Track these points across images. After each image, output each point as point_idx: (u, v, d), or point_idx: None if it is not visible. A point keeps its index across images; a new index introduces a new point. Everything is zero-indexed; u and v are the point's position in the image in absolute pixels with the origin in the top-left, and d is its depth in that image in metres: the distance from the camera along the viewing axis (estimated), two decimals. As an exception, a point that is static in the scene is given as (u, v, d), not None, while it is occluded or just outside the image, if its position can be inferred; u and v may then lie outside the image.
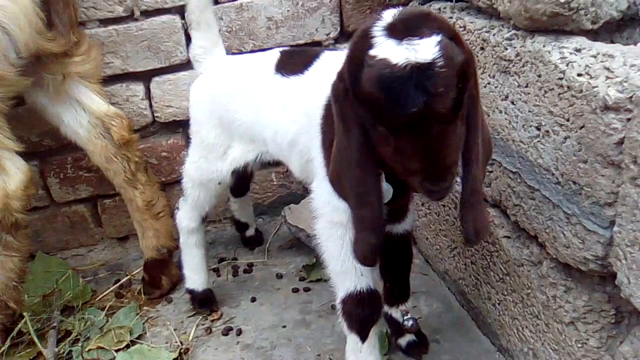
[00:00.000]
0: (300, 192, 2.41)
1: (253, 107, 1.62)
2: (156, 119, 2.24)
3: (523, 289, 1.46)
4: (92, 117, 1.91)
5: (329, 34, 2.19)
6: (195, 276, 1.98)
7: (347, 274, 1.42)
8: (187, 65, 2.14)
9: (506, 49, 1.34)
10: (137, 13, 2.08)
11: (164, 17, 2.09)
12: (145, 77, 2.18)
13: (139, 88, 2.18)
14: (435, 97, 0.98)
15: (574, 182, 1.19)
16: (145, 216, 2.05)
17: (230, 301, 2.07)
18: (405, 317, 1.66)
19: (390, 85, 0.98)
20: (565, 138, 1.19)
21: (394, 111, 1.00)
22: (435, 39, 0.99)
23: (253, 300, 2.06)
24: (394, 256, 1.63)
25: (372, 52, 1.02)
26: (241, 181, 2.10)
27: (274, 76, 1.58)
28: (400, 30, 1.01)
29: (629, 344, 1.15)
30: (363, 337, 1.47)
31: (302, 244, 2.25)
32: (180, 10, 2.10)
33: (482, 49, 1.44)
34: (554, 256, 1.31)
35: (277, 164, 1.86)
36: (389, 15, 1.06)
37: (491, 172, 1.52)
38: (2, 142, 1.66)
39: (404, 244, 1.63)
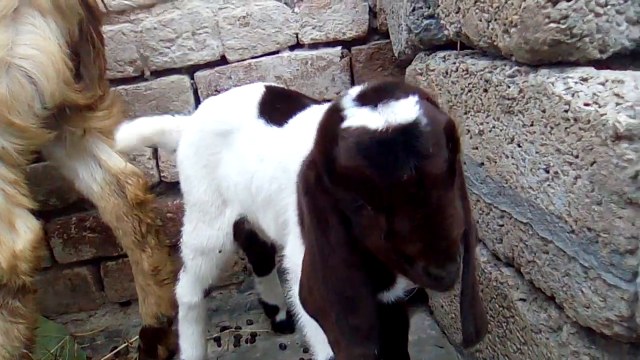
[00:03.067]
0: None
1: (233, 150, 1.49)
2: (162, 179, 2.19)
3: (542, 359, 1.26)
4: (107, 174, 1.86)
5: (339, 92, 2.14)
6: (192, 350, 1.82)
7: (325, 341, 1.24)
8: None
9: (509, 87, 1.23)
10: (147, 73, 2.09)
11: (173, 77, 2.09)
12: (152, 136, 2.15)
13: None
14: (427, 158, 0.85)
15: (589, 229, 1.03)
16: (150, 281, 1.94)
17: (228, 373, 1.91)
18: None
19: (373, 151, 0.86)
20: (576, 178, 1.04)
21: (382, 182, 0.85)
22: (413, 98, 0.90)
23: (253, 372, 1.89)
24: (388, 326, 1.43)
25: (345, 125, 0.90)
26: (262, 255, 1.92)
27: (256, 120, 1.45)
28: (372, 98, 0.91)
29: None
30: None
31: (309, 313, 2.08)
32: (190, 70, 2.10)
33: (485, 90, 1.33)
34: (574, 319, 1.12)
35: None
36: (355, 89, 0.96)
37: (502, 225, 1.36)
38: (17, 198, 1.58)
39: (396, 312, 1.42)
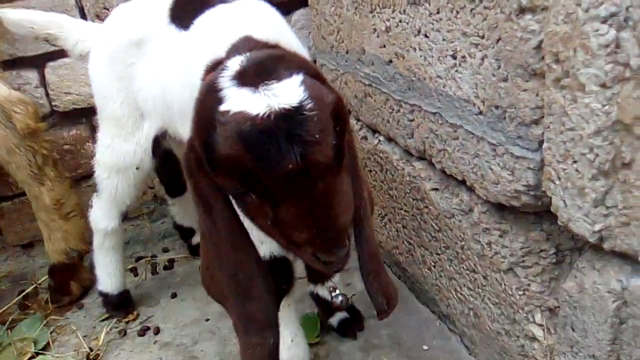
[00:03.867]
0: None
1: (147, 60, 1.41)
2: (54, 108, 2.02)
3: (457, 242, 1.33)
4: None
5: None
6: (109, 279, 1.76)
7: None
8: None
9: (414, -24, 1.23)
10: (21, -10, 1.88)
11: (55, -8, 1.90)
12: (38, 62, 1.97)
13: (32, 75, 1.97)
14: (313, 145, 0.80)
15: (497, 107, 1.07)
16: (54, 216, 1.82)
17: (148, 300, 1.86)
18: (333, 294, 1.49)
19: (255, 140, 0.79)
20: (483, 58, 1.07)
21: (264, 172, 0.80)
22: (297, 78, 0.83)
23: (174, 296, 1.86)
24: None
25: (223, 108, 0.83)
26: (176, 174, 1.82)
27: (167, 26, 1.36)
28: (253, 76, 0.84)
29: (573, 279, 1.02)
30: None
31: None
32: (73, -16, 1.91)
33: (390, -17, 1.33)
34: (485, 197, 1.18)
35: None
36: (235, 63, 0.88)
37: (412, 120, 1.39)
38: None
39: None
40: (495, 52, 1.03)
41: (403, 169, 1.49)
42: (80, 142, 2.06)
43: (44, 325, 1.79)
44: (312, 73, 0.87)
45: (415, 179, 1.44)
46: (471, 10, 1.07)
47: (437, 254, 1.43)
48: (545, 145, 0.97)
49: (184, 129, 1.38)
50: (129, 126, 1.49)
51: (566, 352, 1.08)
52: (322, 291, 1.53)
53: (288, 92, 0.81)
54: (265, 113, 0.79)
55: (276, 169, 0.79)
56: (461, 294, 1.38)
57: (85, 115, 2.05)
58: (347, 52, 1.64)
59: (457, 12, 1.11)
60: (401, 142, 1.48)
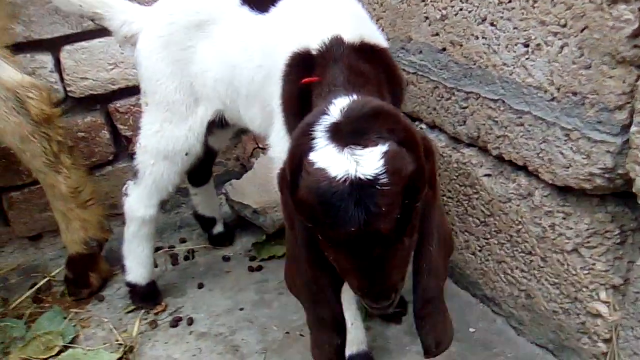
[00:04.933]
0: (237, 169, 2.21)
1: (211, 42, 1.39)
2: (69, 94, 1.94)
3: (512, 226, 1.38)
4: (1, 89, 1.60)
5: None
6: (140, 269, 1.72)
7: None
8: (103, 30, 1.87)
9: (482, -34, 1.26)
10: (41, -30, 1.80)
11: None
12: (53, 45, 1.89)
13: (46, 58, 1.89)
14: (377, 216, 0.86)
15: (575, 93, 1.12)
16: (71, 205, 1.75)
17: (174, 291, 1.82)
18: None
19: (328, 199, 0.87)
20: (562, 47, 1.12)
21: (330, 227, 0.89)
22: (381, 149, 0.87)
23: (200, 286, 1.83)
24: None
25: (311, 157, 0.90)
26: (202, 164, 1.78)
27: (239, 8, 1.35)
28: (344, 134, 0.89)
29: (648, 258, 1.09)
30: None
31: (246, 222, 2.04)
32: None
33: (451, -27, 1.36)
34: (550, 181, 1.23)
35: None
36: (336, 109, 0.93)
37: (466, 107, 1.43)
38: None
39: None
40: (579, 40, 1.08)
41: (450, 156, 1.52)
42: (95, 129, 1.99)
43: (65, 318, 1.73)
44: (401, 137, 0.90)
45: (464, 166, 1.48)
46: (552, 0, 1.11)
47: (486, 238, 1.48)
48: (634, 128, 1.02)
49: (246, 112, 1.38)
50: (182, 111, 1.48)
51: (635, 326, 1.14)
52: None
53: (368, 163, 0.86)
54: (342, 178, 0.86)
55: (340, 229, 0.87)
56: (512, 277, 1.42)
57: (101, 101, 1.99)
58: (388, 40, 1.66)
59: (535, 2, 1.15)
60: (449, 130, 1.51)
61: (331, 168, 0.87)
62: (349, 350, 1.37)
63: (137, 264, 1.71)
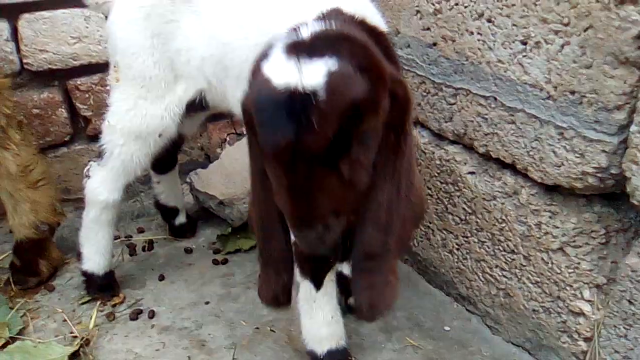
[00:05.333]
0: (201, 160, 2.12)
1: (199, 18, 1.33)
2: (25, 66, 1.81)
3: (494, 224, 1.38)
4: None
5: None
6: (98, 258, 1.60)
7: None
8: (67, 1, 1.76)
9: (483, -39, 1.26)
10: None
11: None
12: (11, 12, 1.76)
13: (2, 26, 1.75)
14: (308, 131, 0.83)
15: (573, 92, 1.13)
16: (20, 185, 1.60)
17: (132, 283, 1.72)
18: (355, 275, 1.49)
19: (265, 107, 0.87)
20: (563, 45, 1.13)
21: (264, 137, 0.89)
22: (330, 63, 0.83)
23: (161, 278, 1.73)
24: None
25: (262, 66, 0.89)
26: (167, 151, 1.66)
27: None
28: (301, 49, 0.86)
29: (636, 256, 1.11)
30: (317, 284, 1.28)
31: (209, 214, 1.96)
32: None
33: (448, -33, 1.35)
34: (540, 180, 1.24)
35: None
36: (307, 31, 0.90)
37: (453, 104, 1.42)
38: None
39: None
40: (582, 39, 1.09)
41: (433, 153, 1.51)
42: (51, 106, 1.86)
43: (12, 309, 1.59)
44: (362, 65, 0.86)
45: (447, 163, 1.47)
46: (556, -2, 1.12)
47: (465, 236, 1.47)
48: (634, 127, 1.04)
49: (234, 93, 1.31)
50: (160, 88, 1.39)
51: (618, 324, 1.16)
52: (347, 269, 1.51)
53: (313, 75, 0.83)
54: (282, 87, 0.83)
55: (272, 140, 0.87)
56: (490, 275, 1.43)
57: (60, 77, 1.86)
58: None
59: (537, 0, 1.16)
60: (433, 126, 1.50)
61: (275, 77, 0.85)
62: (328, 345, 1.32)
63: (95, 252, 1.59)
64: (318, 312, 1.30)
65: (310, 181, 0.87)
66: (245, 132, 1.07)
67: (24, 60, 1.80)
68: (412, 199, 1.03)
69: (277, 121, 0.84)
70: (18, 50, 1.78)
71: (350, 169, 0.89)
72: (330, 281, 1.30)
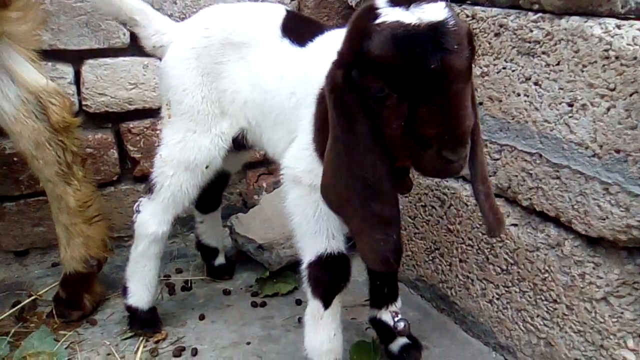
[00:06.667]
0: (239, 205, 2.20)
1: (246, 64, 1.46)
2: (84, 107, 1.91)
3: (537, 274, 1.44)
4: (23, 91, 1.56)
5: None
6: (144, 292, 1.65)
7: (318, 236, 1.33)
8: (128, 50, 1.90)
9: (532, 31, 1.38)
10: (77, -18, 1.80)
11: (110, -8, 1.83)
12: (76, 57, 1.88)
13: (67, 70, 1.87)
14: (452, 53, 0.97)
15: (618, 151, 1.22)
16: (77, 220, 1.68)
17: (173, 321, 1.76)
18: (395, 319, 1.54)
19: (406, 43, 0.96)
20: (609, 108, 1.23)
21: (411, 70, 0.97)
22: (441, 3, 1.01)
23: (202, 318, 1.77)
24: None
25: (379, 21, 1.00)
26: (213, 188, 1.77)
27: (280, 40, 1.43)
28: (404, 0, 1.01)
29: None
30: (326, 304, 1.36)
31: (248, 258, 2.02)
32: (129, -13, 1.86)
33: (496, 35, 1.47)
34: (584, 232, 1.31)
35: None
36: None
37: (498, 159, 1.51)
38: None
39: None
40: (627, 103, 1.19)
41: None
42: (104, 147, 1.95)
43: (57, 340, 1.62)
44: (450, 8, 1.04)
45: (490, 215, 1.55)
46: (603, 65, 1.23)
47: (506, 286, 1.53)
48: (680, 185, 1.12)
49: (270, 137, 1.47)
50: (207, 122, 1.51)
51: (662, 374, 1.21)
52: (385, 316, 1.56)
53: (435, 11, 0.98)
54: (416, 23, 0.96)
55: (420, 68, 0.95)
56: (531, 325, 1.48)
57: (114, 120, 1.96)
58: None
59: (584, 66, 1.27)
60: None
61: (404, 19, 0.97)
62: (327, 359, 1.39)
63: (141, 286, 1.64)
64: (323, 329, 1.37)
65: (459, 100, 0.99)
66: (330, 106, 1.10)
67: (83, 103, 1.90)
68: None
69: (423, 49, 0.94)
70: (79, 92, 1.89)
71: (472, 87, 1.06)
72: (337, 303, 1.37)
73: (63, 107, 1.61)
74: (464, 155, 1.03)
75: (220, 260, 1.97)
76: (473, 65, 1.07)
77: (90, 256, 1.72)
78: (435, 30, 0.96)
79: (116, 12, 1.54)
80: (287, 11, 1.50)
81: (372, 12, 1.02)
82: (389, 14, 0.99)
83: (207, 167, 1.53)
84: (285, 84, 1.39)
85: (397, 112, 1.01)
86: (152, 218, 1.58)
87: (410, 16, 0.97)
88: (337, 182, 1.14)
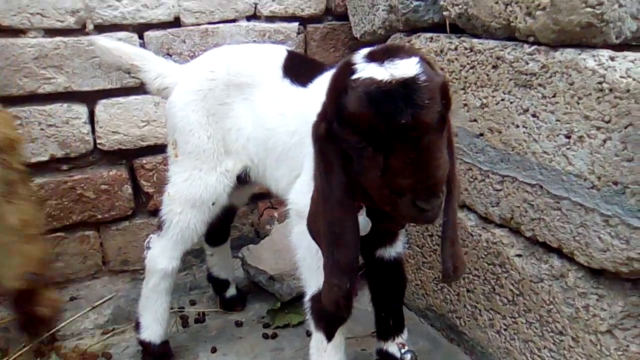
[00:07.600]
0: (251, 235, 2.23)
1: (249, 104, 1.52)
2: (98, 146, 1.97)
3: (542, 305, 1.43)
4: None
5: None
6: (156, 327, 1.69)
7: (321, 270, 1.32)
8: (140, 88, 1.94)
9: (528, 63, 1.39)
10: (89, 27, 1.88)
11: (121, 34, 1.92)
12: (90, 98, 1.94)
13: (82, 110, 1.94)
14: (423, 108, 1.00)
15: (616, 183, 1.22)
16: (15, 238, 1.61)
17: (185, 354, 1.79)
18: (402, 351, 1.54)
19: (378, 100, 1.00)
20: (605, 140, 1.23)
21: (383, 126, 1.00)
22: (414, 59, 1.04)
23: (213, 350, 1.80)
24: (387, 282, 1.55)
25: (355, 77, 1.04)
26: (221, 222, 1.81)
27: (281, 80, 1.49)
28: (379, 56, 1.05)
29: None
30: (329, 336, 1.41)
31: (260, 289, 2.04)
32: (139, 29, 1.95)
33: (494, 67, 1.48)
34: (586, 264, 1.31)
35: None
36: (365, 49, 1.10)
37: (500, 190, 1.52)
38: None
39: (396, 269, 1.55)
40: (623, 135, 1.19)
41: (480, 235, 1.59)
42: (118, 183, 2.01)
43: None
44: (426, 60, 1.07)
45: (495, 245, 1.55)
46: (597, 98, 1.23)
47: (513, 317, 1.53)
48: (677, 218, 1.11)
49: (272, 173, 1.51)
50: (212, 161, 1.55)
51: (670, 409, 1.19)
52: (392, 347, 1.56)
53: (407, 67, 1.02)
54: (388, 79, 1.00)
55: (392, 123, 0.99)
56: (538, 356, 1.46)
57: (127, 156, 2.02)
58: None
59: (580, 99, 1.27)
60: (480, 210, 1.59)
61: (377, 75, 1.01)
62: None
63: (153, 320, 1.68)
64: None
65: (431, 152, 1.02)
66: (315, 154, 1.17)
67: (98, 141, 1.97)
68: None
69: (395, 105, 0.98)
70: (93, 131, 1.96)
71: (449, 137, 1.10)
72: (340, 335, 1.41)
73: (6, 122, 1.57)
74: (438, 204, 1.06)
75: (231, 291, 2.00)
76: (449, 117, 1.11)
77: (28, 272, 1.64)
78: (407, 86, 1.00)
79: (117, 62, 1.61)
80: (288, 52, 1.56)
81: (349, 67, 1.07)
82: (364, 70, 1.04)
83: (213, 204, 1.58)
84: (287, 123, 1.44)
85: (373, 162, 1.05)
86: (162, 254, 1.62)
87: (384, 72, 1.01)
88: (316, 219, 1.23)
